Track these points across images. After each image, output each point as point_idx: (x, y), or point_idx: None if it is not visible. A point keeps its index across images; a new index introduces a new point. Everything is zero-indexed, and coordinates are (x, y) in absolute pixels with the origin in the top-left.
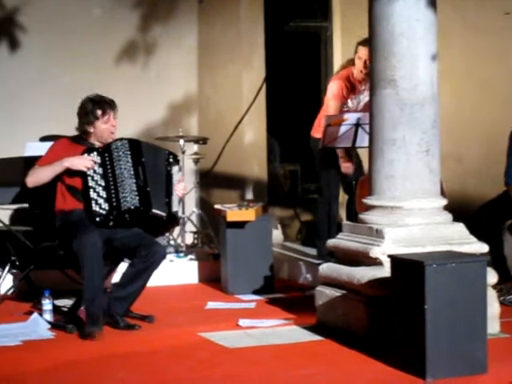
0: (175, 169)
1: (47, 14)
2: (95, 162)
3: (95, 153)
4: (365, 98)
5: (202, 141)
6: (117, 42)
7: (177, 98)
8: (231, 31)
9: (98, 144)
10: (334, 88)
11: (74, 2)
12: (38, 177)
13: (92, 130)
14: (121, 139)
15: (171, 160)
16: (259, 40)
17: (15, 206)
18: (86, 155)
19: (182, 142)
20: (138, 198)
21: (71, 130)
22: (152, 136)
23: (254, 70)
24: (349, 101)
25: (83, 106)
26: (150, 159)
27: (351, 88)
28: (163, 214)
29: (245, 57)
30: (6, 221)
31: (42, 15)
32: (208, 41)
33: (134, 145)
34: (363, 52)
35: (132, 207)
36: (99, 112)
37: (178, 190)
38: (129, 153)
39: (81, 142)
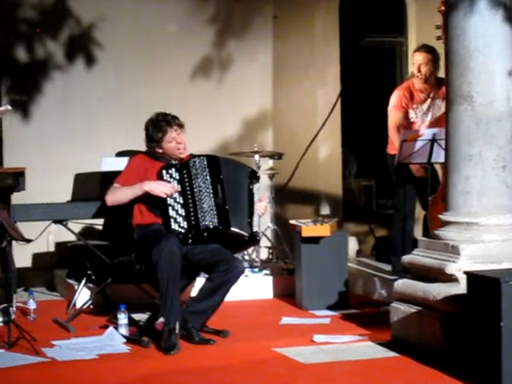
0: (256, 187)
1: (123, 30)
2: (174, 179)
3: (173, 169)
4: (433, 109)
5: (277, 156)
6: (192, 57)
7: (252, 114)
8: (306, 46)
9: (173, 160)
10: (393, 99)
11: (150, 18)
12: (117, 197)
13: (160, 150)
14: (199, 156)
15: (253, 178)
16: (334, 55)
17: (91, 221)
18: (163, 173)
19: (257, 157)
20: (216, 216)
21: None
22: (227, 151)
23: (328, 85)
24: (410, 111)
25: (146, 130)
26: (230, 176)
27: (410, 97)
28: (244, 233)
29: (319, 72)
30: (82, 235)
31: (117, 31)
32: (283, 56)
33: (213, 161)
34: (417, 58)
35: (211, 226)
36: (159, 135)
37: (259, 209)
38: (207, 170)
39: (157, 157)
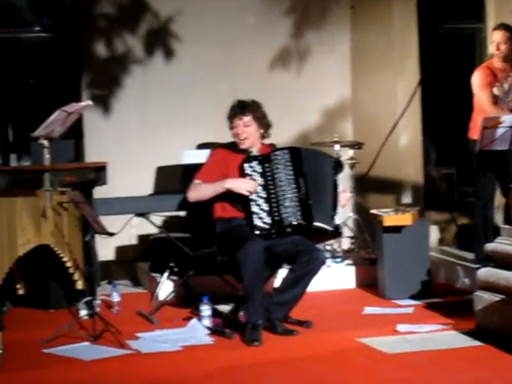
0: (340, 177)
1: (201, 22)
2: (256, 172)
3: (255, 162)
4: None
5: (357, 146)
6: (270, 49)
7: (331, 104)
8: (384, 35)
9: (253, 151)
10: (476, 80)
11: (228, 11)
12: (199, 194)
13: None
14: (282, 148)
15: (337, 168)
16: (412, 43)
17: (172, 213)
18: (247, 174)
19: (337, 147)
20: (299, 212)
21: (227, 137)
22: (307, 142)
23: (407, 73)
24: (494, 89)
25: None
26: (313, 168)
27: (493, 75)
28: (327, 227)
29: (398, 61)
30: (164, 228)
31: (195, 24)
32: (361, 46)
33: (295, 154)
34: (495, 36)
35: (294, 222)
36: (228, 116)
37: (342, 200)
38: (290, 163)
39: (237, 149)
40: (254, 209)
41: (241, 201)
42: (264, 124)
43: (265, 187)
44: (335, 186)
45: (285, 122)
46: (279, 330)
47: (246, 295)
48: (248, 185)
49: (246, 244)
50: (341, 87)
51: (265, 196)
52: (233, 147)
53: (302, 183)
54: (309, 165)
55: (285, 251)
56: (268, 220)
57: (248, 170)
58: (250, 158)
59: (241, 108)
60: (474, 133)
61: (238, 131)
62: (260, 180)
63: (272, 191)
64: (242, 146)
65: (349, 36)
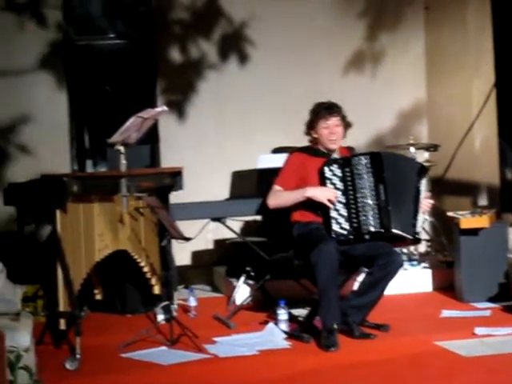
0: (423, 183)
1: (275, 26)
2: (336, 176)
3: (335, 165)
4: None
5: (432, 148)
6: (344, 51)
7: (406, 106)
8: (459, 36)
9: (332, 154)
10: None
11: (302, 15)
12: (280, 202)
13: (314, 135)
14: (363, 154)
15: (421, 173)
16: (487, 44)
17: (249, 218)
18: (327, 178)
19: (412, 149)
20: (379, 219)
21: (302, 141)
22: (382, 145)
23: (483, 75)
24: None
25: (310, 114)
26: (394, 174)
27: None
28: (406, 235)
29: (473, 62)
30: (240, 232)
31: (269, 28)
32: (435, 47)
33: (376, 159)
34: None
35: (373, 230)
36: (318, 117)
37: (424, 206)
38: (370, 169)
39: (314, 152)
40: (333, 214)
41: (319, 206)
42: (346, 125)
43: (344, 192)
44: (418, 193)
45: (360, 125)
46: (356, 333)
47: (321, 297)
48: (329, 193)
49: (319, 245)
50: (416, 89)
51: (344, 201)
52: (310, 150)
53: (382, 189)
54: (390, 170)
55: (362, 254)
56: (346, 226)
57: (328, 174)
58: (330, 161)
59: (331, 108)
60: None
61: (330, 131)
62: (339, 184)
63: (351, 197)
64: (332, 146)
65: (423, 38)
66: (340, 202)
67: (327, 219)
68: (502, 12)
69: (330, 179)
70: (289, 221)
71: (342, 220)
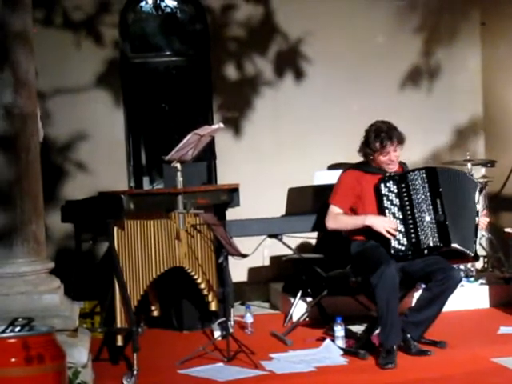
0: (480, 199)
1: (330, 42)
2: (391, 192)
3: (391, 182)
4: None
5: (489, 164)
6: (401, 67)
7: (462, 121)
8: None
9: (386, 170)
10: None
11: (357, 30)
12: (339, 225)
13: (371, 157)
14: (418, 169)
15: (476, 189)
16: None
17: (305, 234)
18: (382, 188)
19: (469, 165)
20: (437, 234)
21: (357, 157)
22: (438, 160)
23: None
24: None
25: (367, 135)
26: (451, 189)
27: None
28: (466, 251)
29: None
30: (297, 249)
31: (325, 44)
32: (492, 62)
33: (432, 174)
34: None
35: (431, 245)
36: (377, 145)
37: (482, 223)
38: (426, 184)
39: (369, 170)
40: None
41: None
42: (402, 142)
43: (401, 208)
44: (475, 208)
45: (416, 140)
46: (413, 350)
47: (381, 319)
48: (389, 225)
49: (380, 267)
50: (472, 104)
51: (401, 217)
52: (364, 167)
53: (439, 204)
54: (446, 185)
55: (420, 270)
56: (404, 241)
57: (384, 191)
58: (385, 178)
59: (392, 136)
60: None
61: (390, 158)
62: (396, 200)
63: (408, 212)
64: (391, 170)
65: (479, 53)
66: (398, 217)
67: (386, 238)
68: None
69: (386, 195)
70: (345, 238)
71: (400, 236)
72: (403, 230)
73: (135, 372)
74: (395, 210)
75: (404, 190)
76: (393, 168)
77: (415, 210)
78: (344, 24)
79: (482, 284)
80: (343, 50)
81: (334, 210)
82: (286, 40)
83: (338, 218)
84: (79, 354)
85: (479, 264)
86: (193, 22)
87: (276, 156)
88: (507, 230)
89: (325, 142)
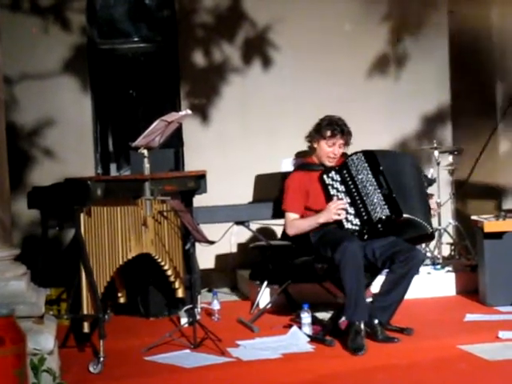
0: (423, 178)
1: (298, 30)
2: (335, 181)
3: (333, 172)
4: None
5: (456, 151)
6: (368, 55)
7: (430, 109)
8: (483, 40)
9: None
10: None
11: (325, 18)
12: (298, 230)
13: (315, 145)
14: (355, 153)
15: (418, 168)
16: None
17: (272, 221)
18: (328, 185)
19: (436, 153)
20: (386, 206)
21: None
22: (406, 148)
23: (507, 77)
24: None
25: (320, 122)
26: (391, 167)
27: None
28: (420, 221)
29: (497, 65)
30: (264, 236)
31: (293, 32)
32: (459, 50)
33: (370, 155)
34: None
35: (383, 217)
36: (328, 133)
37: (433, 210)
38: (366, 164)
39: (310, 167)
40: (342, 215)
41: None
42: (348, 143)
43: (347, 193)
44: (421, 185)
45: (383, 128)
46: (380, 337)
47: (347, 296)
48: (336, 206)
49: (342, 244)
50: (440, 92)
51: (349, 201)
52: (306, 167)
53: (383, 180)
54: (386, 163)
55: (382, 254)
56: (357, 221)
57: (328, 181)
58: (327, 170)
59: (341, 131)
60: None
61: (333, 151)
62: (341, 187)
63: (355, 194)
64: (330, 164)
65: (447, 40)
66: (346, 202)
67: (339, 222)
68: None
69: (331, 185)
70: None
71: (351, 217)
72: (353, 211)
73: (101, 359)
74: (342, 196)
75: (347, 175)
76: (332, 163)
77: (361, 191)
78: (312, 12)
79: (448, 271)
80: (311, 37)
81: (289, 216)
82: (254, 27)
83: (294, 224)
84: (45, 340)
85: (446, 251)
86: (161, 8)
87: (243, 143)
88: (474, 217)
89: (292, 130)
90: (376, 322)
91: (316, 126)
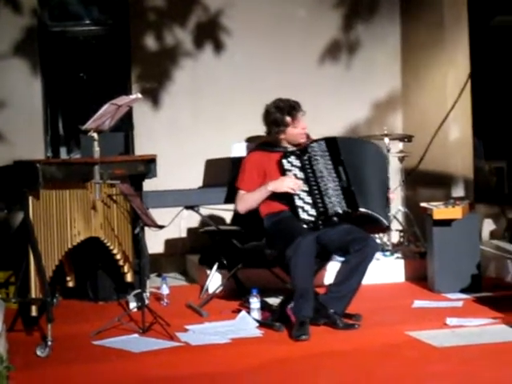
0: (386, 167)
1: (251, 15)
2: (295, 166)
3: (293, 157)
4: None
5: (406, 139)
6: (320, 41)
7: (381, 96)
8: (435, 27)
9: (289, 147)
10: None
11: (278, 4)
12: (247, 205)
13: (283, 136)
14: (317, 140)
15: (385, 161)
16: (463, 36)
17: (222, 206)
18: (284, 163)
19: (386, 140)
20: (343, 200)
21: None
22: (356, 134)
23: (458, 66)
24: None
25: (271, 115)
26: (352, 156)
27: None
28: (377, 215)
29: (449, 53)
30: (214, 221)
31: (245, 17)
32: (411, 38)
33: (332, 144)
34: None
35: (339, 211)
36: (288, 119)
37: (391, 194)
38: (327, 153)
39: (272, 148)
40: (298, 203)
41: (285, 197)
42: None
43: (306, 180)
44: (382, 176)
45: (334, 114)
46: (340, 325)
47: (295, 291)
48: (290, 182)
49: (296, 239)
50: (391, 79)
51: (307, 189)
52: (266, 147)
53: (342, 171)
54: (347, 153)
55: (336, 241)
56: (313, 212)
57: (287, 166)
58: (287, 154)
59: (298, 104)
60: None
61: (302, 127)
62: (300, 174)
63: (313, 183)
64: (303, 141)
65: (399, 27)
66: (303, 190)
67: (294, 209)
68: (478, 4)
69: (290, 170)
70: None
71: (307, 207)
72: (310, 201)
73: (49, 343)
74: (300, 183)
75: (306, 162)
76: (305, 138)
77: (319, 180)
78: None
79: (397, 258)
80: (264, 23)
81: (241, 193)
82: (206, 11)
83: (244, 199)
84: None
85: (395, 238)
86: None
87: (194, 128)
88: (423, 204)
89: (243, 115)
90: (332, 311)
91: (272, 120)
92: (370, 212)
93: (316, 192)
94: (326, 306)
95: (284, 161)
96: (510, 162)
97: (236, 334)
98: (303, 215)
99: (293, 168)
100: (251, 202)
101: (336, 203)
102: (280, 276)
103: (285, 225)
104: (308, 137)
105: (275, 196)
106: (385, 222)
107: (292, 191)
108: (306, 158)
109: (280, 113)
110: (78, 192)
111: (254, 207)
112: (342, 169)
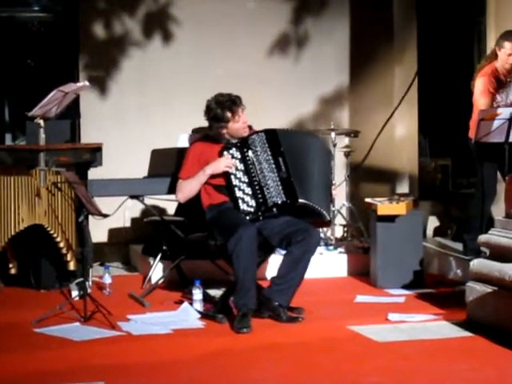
0: (328, 159)
1: (200, 6)
2: (235, 158)
3: (234, 149)
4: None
5: (352, 134)
6: (269, 34)
7: (328, 91)
8: (383, 24)
9: (232, 139)
10: (479, 85)
11: None
12: (187, 192)
13: (225, 131)
14: (258, 132)
15: (328, 155)
16: (411, 34)
17: (167, 197)
18: (225, 154)
19: (333, 135)
20: (283, 191)
21: None
22: (303, 128)
23: (405, 63)
24: (497, 96)
25: (211, 111)
26: (293, 148)
27: (497, 82)
28: (317, 206)
29: (396, 50)
30: (158, 211)
31: (194, 8)
32: (360, 33)
33: (272, 135)
34: (508, 47)
35: (279, 202)
36: (229, 114)
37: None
38: (267, 145)
39: (213, 140)
40: (238, 194)
41: (225, 187)
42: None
43: (246, 172)
44: (325, 168)
45: (281, 108)
46: (284, 318)
47: (237, 283)
48: (226, 161)
49: (237, 232)
50: (339, 75)
51: (247, 180)
52: (209, 138)
53: (282, 162)
54: (287, 144)
55: (278, 233)
56: (253, 203)
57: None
58: (228, 146)
59: (237, 98)
60: (473, 133)
61: (245, 119)
62: (240, 166)
63: (253, 174)
64: (246, 134)
65: (348, 23)
66: (243, 181)
67: (234, 200)
68: (426, 1)
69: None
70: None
71: (247, 198)
72: (250, 192)
73: None
74: (240, 174)
75: (247, 154)
76: (247, 132)
77: (259, 172)
78: None
79: (340, 253)
80: (213, 13)
81: (180, 182)
82: (156, 1)
83: (182, 186)
84: None
85: (338, 233)
86: None
87: (141, 117)
88: (368, 199)
89: (191, 106)
90: (276, 304)
91: (212, 117)
92: (309, 203)
93: (256, 183)
94: (271, 298)
95: (225, 152)
96: (455, 160)
97: (178, 325)
98: (243, 206)
99: (233, 160)
100: (190, 188)
101: (275, 194)
102: (223, 268)
103: (226, 216)
104: (251, 128)
105: (216, 185)
106: (326, 214)
107: (230, 169)
108: (246, 149)
109: (220, 108)
110: (23, 179)
111: (194, 194)
112: (282, 160)
